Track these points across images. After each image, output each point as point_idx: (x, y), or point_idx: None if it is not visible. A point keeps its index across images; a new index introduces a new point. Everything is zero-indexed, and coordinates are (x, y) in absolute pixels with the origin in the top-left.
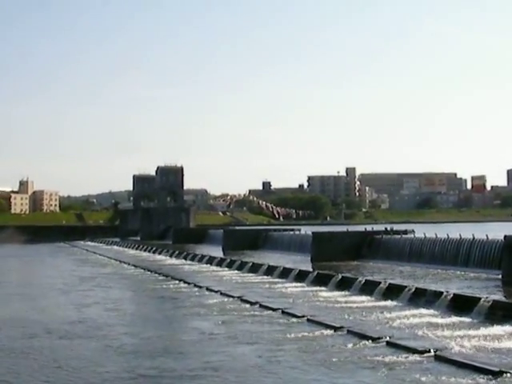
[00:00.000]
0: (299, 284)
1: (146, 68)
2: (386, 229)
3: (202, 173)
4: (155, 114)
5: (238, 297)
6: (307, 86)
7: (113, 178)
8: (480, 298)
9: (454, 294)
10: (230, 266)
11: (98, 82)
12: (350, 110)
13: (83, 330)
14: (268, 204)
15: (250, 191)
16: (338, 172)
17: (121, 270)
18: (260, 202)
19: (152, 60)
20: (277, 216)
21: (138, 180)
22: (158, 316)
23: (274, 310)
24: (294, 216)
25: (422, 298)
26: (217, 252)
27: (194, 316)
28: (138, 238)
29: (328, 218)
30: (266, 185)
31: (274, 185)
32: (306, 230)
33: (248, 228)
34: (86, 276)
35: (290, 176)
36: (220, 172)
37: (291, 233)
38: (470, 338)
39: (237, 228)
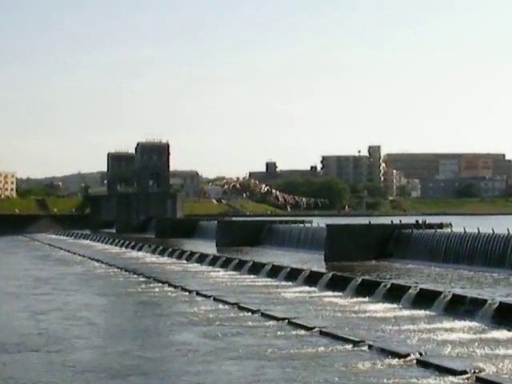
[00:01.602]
0: (310, 288)
1: (130, 26)
2: (416, 222)
3: (192, 151)
4: (138, 80)
5: (235, 303)
6: (322, 49)
7: (83, 156)
8: None
9: (501, 303)
10: (225, 265)
11: (70, 44)
12: (374, 77)
13: (39, 344)
14: (273, 190)
15: (250, 174)
16: (359, 152)
17: (91, 269)
18: (263, 187)
19: (137, 17)
20: (283, 205)
21: (114, 159)
22: (134, 327)
23: (278, 319)
24: (305, 205)
25: (460, 306)
26: (209, 248)
27: (179, 327)
28: (114, 231)
29: (346, 208)
30: (271, 166)
31: (280, 166)
32: (319, 222)
33: (248, 219)
34: (46, 277)
35: (299, 156)
36: (214, 151)
37: (301, 225)
38: None
39: (234, 219)
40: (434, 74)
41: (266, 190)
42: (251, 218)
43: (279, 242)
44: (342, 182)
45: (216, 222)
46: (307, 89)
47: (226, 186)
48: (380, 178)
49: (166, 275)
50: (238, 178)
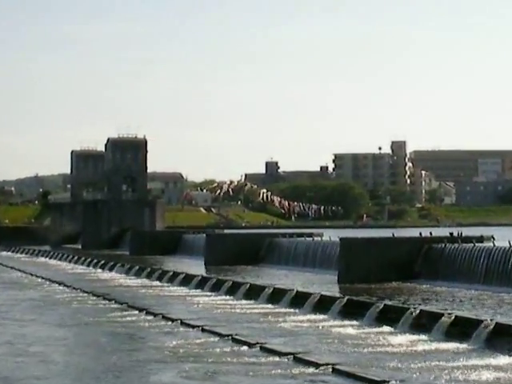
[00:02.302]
0: (320, 316)
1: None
2: (451, 234)
3: (175, 149)
4: (108, 59)
5: (228, 335)
6: (338, 27)
7: (41, 155)
8: None
9: None
10: (216, 288)
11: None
12: (399, 58)
13: None
14: (274, 196)
15: (246, 176)
16: (380, 148)
17: (50, 293)
18: (262, 192)
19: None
20: (287, 214)
21: (79, 158)
22: (101, 366)
23: (282, 355)
24: (314, 214)
25: (505, 338)
26: (197, 268)
27: (159, 365)
28: (79, 247)
29: (364, 218)
30: (271, 167)
31: (284, 167)
32: (331, 236)
33: (244, 232)
34: None
35: (306, 154)
36: (202, 148)
37: (309, 239)
38: None
39: (227, 232)
40: (472, 58)
41: (265, 195)
42: (248, 231)
43: (282, 259)
44: (358, 185)
45: (204, 235)
46: (315, 72)
47: (216, 192)
48: (406, 181)
49: (143, 301)
50: (231, 182)
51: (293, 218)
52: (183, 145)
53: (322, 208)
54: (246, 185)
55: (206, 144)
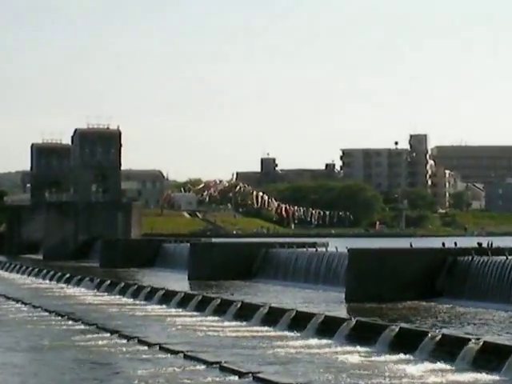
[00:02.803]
0: (324, 341)
1: None
2: (479, 245)
3: (154, 143)
4: (76, 39)
5: (216, 363)
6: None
7: None
8: None
9: None
10: (201, 307)
11: None
12: (419, 39)
13: None
14: (271, 198)
15: (238, 175)
16: (397, 143)
17: (5, 312)
18: (257, 193)
19: None
20: (286, 220)
21: (41, 153)
22: None
23: None
24: (317, 220)
25: None
26: (179, 283)
27: None
28: (41, 257)
29: (378, 225)
30: (268, 164)
31: (282, 165)
32: (338, 246)
33: (235, 241)
34: None
35: (309, 149)
36: (186, 142)
37: (311, 250)
38: None
39: (215, 241)
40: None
41: (260, 198)
42: (240, 240)
43: (280, 273)
44: (371, 186)
45: (188, 244)
46: (318, 51)
47: (202, 193)
48: (426, 182)
49: (115, 321)
50: (220, 182)
51: (293, 224)
52: (164, 138)
53: (328, 213)
54: (237, 185)
55: (190, 137)
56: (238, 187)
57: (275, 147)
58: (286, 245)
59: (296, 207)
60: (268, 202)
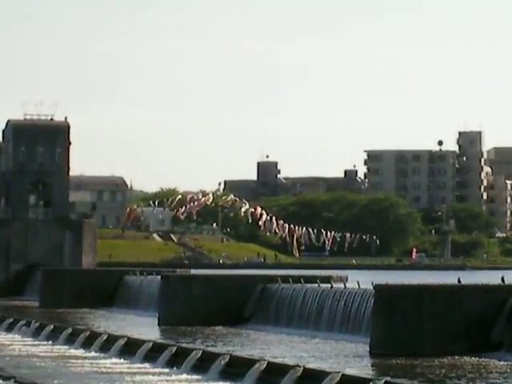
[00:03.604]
0: None
1: None
2: None
3: (115, 141)
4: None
5: None
6: None
7: None
8: None
9: None
10: (176, 362)
11: None
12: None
13: None
14: (271, 216)
15: (226, 184)
16: (441, 143)
17: None
18: (252, 210)
19: None
20: (291, 245)
21: None
22: None
23: None
24: (333, 246)
25: None
26: (146, 329)
27: None
28: None
29: (414, 254)
30: (267, 170)
31: (287, 171)
32: (362, 281)
33: (222, 273)
34: None
35: (322, 151)
36: (158, 140)
37: (325, 287)
38: None
39: (195, 272)
40: None
41: (256, 215)
42: (228, 272)
43: (282, 318)
44: (405, 201)
45: (159, 277)
46: (330, 25)
47: (179, 208)
48: (481, 196)
49: (58, 381)
50: (203, 193)
51: (297, 252)
52: (128, 135)
53: (347, 237)
54: (226, 198)
55: (162, 135)
56: (227, 201)
57: (276, 148)
58: (291, 279)
59: (304, 228)
60: (267, 221)
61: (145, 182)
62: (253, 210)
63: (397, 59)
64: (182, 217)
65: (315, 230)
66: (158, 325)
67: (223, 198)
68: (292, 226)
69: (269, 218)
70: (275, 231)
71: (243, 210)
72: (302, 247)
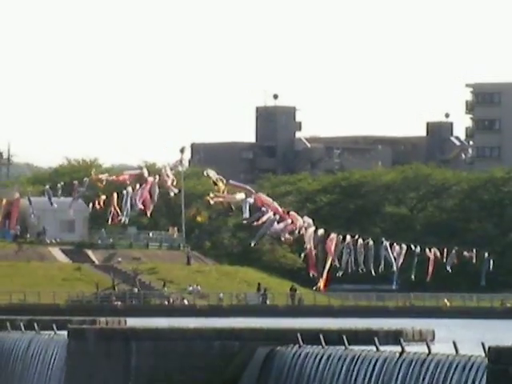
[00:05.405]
0: None
1: None
2: None
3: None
4: None
5: None
6: None
7: None
8: None
9: None
10: None
11: None
12: None
13: None
14: (285, 211)
15: (193, 150)
16: None
17: None
18: (251, 199)
19: None
20: (313, 270)
21: None
22: None
23: None
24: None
25: None
26: None
27: None
28: None
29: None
30: (272, 120)
31: (310, 126)
32: (459, 339)
33: (188, 326)
34: None
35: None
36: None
37: (388, 352)
38: None
39: (135, 325)
40: None
41: (262, 213)
42: (200, 321)
43: None
44: None
45: (65, 334)
46: None
47: (103, 200)
48: None
49: None
50: (149, 170)
51: (322, 282)
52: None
53: (433, 253)
54: (199, 178)
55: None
56: (203, 183)
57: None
58: (322, 336)
59: (349, 236)
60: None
61: (37, 150)
62: (252, 200)
63: None
64: (109, 216)
65: (366, 239)
66: None
67: (195, 177)
68: (328, 231)
69: (286, 214)
70: (302, 244)
71: (234, 201)
72: (340, 272)
